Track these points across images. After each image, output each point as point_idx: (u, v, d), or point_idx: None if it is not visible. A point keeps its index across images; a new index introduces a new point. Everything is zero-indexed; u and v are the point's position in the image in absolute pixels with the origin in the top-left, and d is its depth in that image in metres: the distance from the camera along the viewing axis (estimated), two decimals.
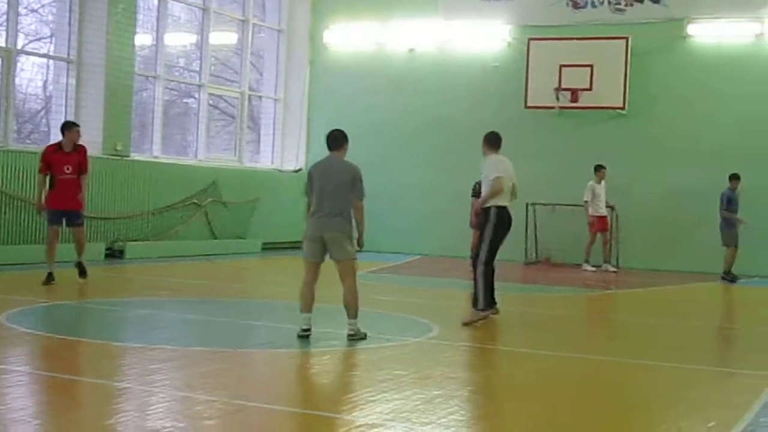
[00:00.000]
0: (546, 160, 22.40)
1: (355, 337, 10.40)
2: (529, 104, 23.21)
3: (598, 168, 21.58)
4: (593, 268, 21.29)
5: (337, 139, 10.61)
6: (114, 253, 19.56)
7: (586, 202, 21.42)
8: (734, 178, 20.19)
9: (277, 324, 11.74)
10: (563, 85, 22.73)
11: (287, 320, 11.80)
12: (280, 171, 25.65)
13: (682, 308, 15.94)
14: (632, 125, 22.58)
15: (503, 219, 11.85)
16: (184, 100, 24.64)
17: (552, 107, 22.96)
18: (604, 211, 21.57)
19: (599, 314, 15.38)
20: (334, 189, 10.32)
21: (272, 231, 24.39)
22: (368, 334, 10.41)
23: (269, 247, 23.98)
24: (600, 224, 21.52)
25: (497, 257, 12.09)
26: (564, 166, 22.72)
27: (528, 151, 22.99)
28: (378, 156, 23.46)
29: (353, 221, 10.51)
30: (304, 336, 10.28)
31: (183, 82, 24.08)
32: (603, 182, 21.64)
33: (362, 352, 9.88)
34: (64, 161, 14.39)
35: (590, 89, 22.59)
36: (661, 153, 22.36)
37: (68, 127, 14.83)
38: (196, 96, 23.73)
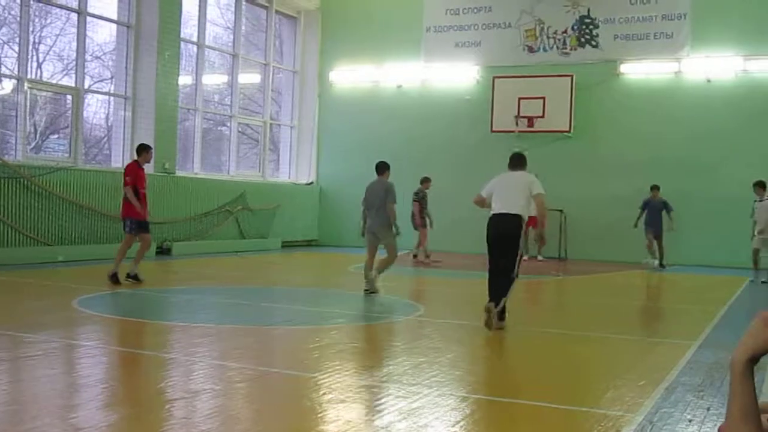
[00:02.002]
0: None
1: (372, 291, 12.47)
2: (494, 129, 23.24)
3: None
4: (543, 259, 21.36)
5: (379, 167, 13.28)
6: (163, 251, 19.56)
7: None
8: (654, 188, 20.24)
9: (294, 306, 11.73)
10: (521, 114, 22.76)
11: (302, 303, 11.81)
12: (296, 184, 25.65)
13: (618, 290, 15.96)
14: (576, 145, 22.61)
15: (490, 225, 10.22)
16: (219, 128, 24.61)
17: (512, 131, 22.98)
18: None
19: (551, 296, 15.37)
20: (377, 199, 12.81)
21: (290, 232, 24.42)
22: (372, 309, 10.38)
23: (287, 245, 23.98)
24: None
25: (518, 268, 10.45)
26: None
27: (493, 167, 22.93)
28: (370, 166, 23.36)
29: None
30: (369, 293, 12.45)
31: (217, 114, 24.05)
32: None
33: (362, 328, 9.89)
34: (143, 177, 13.49)
35: (543, 116, 22.63)
36: (599, 166, 22.40)
37: (147, 149, 13.72)
38: (228, 125, 23.71)
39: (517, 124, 22.81)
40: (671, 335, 10.05)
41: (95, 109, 20.20)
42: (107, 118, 20.36)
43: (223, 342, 8.55)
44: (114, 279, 13.08)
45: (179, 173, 20.62)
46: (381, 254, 13.21)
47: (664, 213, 20.22)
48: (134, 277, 13.31)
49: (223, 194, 21.77)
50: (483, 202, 10.43)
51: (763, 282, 16.38)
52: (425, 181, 20.27)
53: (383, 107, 24.98)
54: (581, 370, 7.87)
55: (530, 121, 22.72)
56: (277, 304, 12.12)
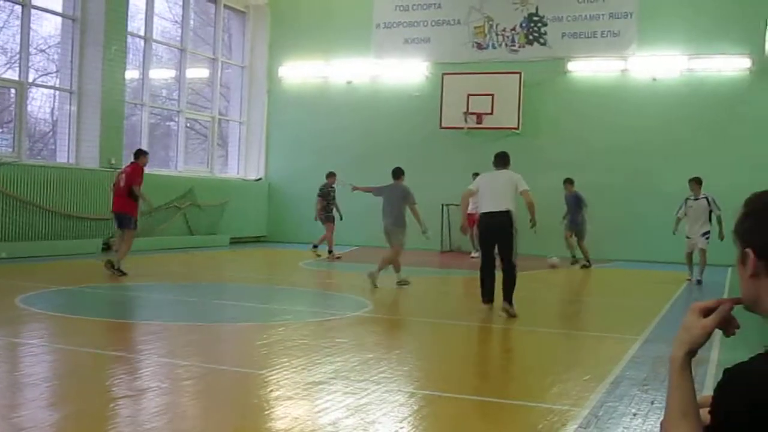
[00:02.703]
0: (456, 170, 22.47)
1: (402, 283, 13.56)
2: (443, 125, 23.32)
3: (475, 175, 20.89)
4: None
5: (396, 173, 14.21)
6: (109, 247, 19.30)
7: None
8: (567, 182, 20.07)
9: (241, 303, 11.69)
10: (470, 110, 22.87)
11: (251, 300, 11.76)
12: (245, 180, 25.52)
13: (559, 286, 16.12)
14: (524, 141, 22.76)
15: (482, 224, 11.01)
16: (166, 123, 24.39)
17: (461, 127, 23.09)
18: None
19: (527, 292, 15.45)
20: (392, 201, 13.80)
21: (239, 228, 24.29)
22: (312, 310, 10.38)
23: (236, 241, 23.85)
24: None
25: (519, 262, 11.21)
26: (470, 175, 22.80)
27: (442, 163, 23.17)
28: (320, 162, 23.47)
29: (405, 219, 13.70)
30: (402, 284, 13.50)
31: (165, 108, 23.82)
32: None
33: (310, 324, 9.88)
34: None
35: (492, 113, 22.77)
36: (545, 162, 22.56)
37: (145, 153, 15.18)
38: (176, 119, 23.51)
39: (466, 120, 22.92)
40: (616, 330, 10.18)
41: (40, 103, 19.89)
42: (52, 112, 20.07)
43: (170, 339, 8.49)
44: (120, 271, 14.08)
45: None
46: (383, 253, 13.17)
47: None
48: (119, 269, 14.16)
49: (171, 190, 21.58)
50: (469, 197, 11.52)
51: (698, 281, 16.08)
52: (330, 176, 20.19)
53: (333, 103, 24.95)
54: (527, 365, 7.96)
55: (479, 117, 22.85)
56: (226, 301, 12.06)
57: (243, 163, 25.89)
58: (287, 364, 7.25)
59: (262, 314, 10.62)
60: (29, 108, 18.78)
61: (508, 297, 10.74)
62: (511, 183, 10.99)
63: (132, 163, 15.03)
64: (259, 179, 25.68)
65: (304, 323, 9.95)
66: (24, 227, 17.27)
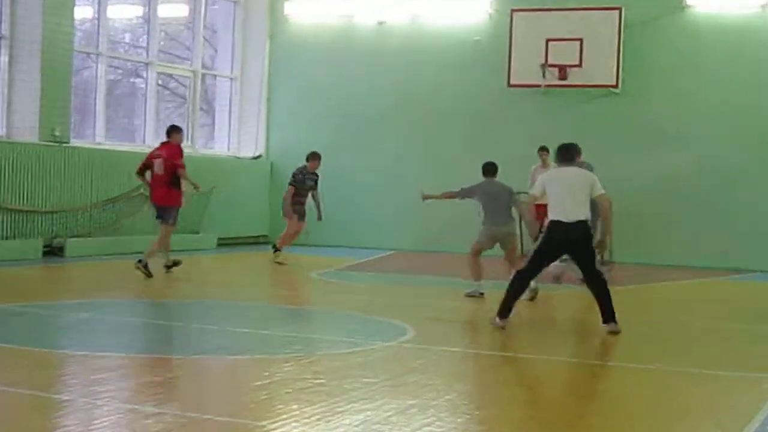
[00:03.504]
0: (529, 144, 22.34)
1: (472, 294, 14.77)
2: (512, 82, 23.24)
3: (542, 150, 20.68)
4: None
5: (489, 170, 15.11)
6: (53, 251, 19.46)
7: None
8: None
9: (234, 328, 11.71)
10: (550, 61, 22.76)
11: (245, 323, 11.79)
12: (238, 158, 25.59)
13: (675, 306, 16.01)
14: (626, 104, 22.61)
15: (553, 236, 12.04)
16: (130, 80, 24.52)
17: (537, 85, 22.98)
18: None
19: (590, 314, 15.38)
20: (500, 200, 14.83)
21: (229, 225, 24.35)
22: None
23: (226, 243, 23.92)
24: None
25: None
26: (552, 152, 22.67)
27: (510, 135, 23.08)
28: (343, 139, 23.54)
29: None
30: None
31: (128, 60, 23.96)
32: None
33: (327, 359, 9.87)
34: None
35: (580, 65, 22.65)
36: (655, 136, 22.39)
37: (178, 130, 17.08)
38: (144, 75, 23.62)
39: (544, 75, 22.80)
40: (752, 367, 10.09)
41: None
42: None
43: (135, 378, 8.52)
44: (145, 269, 15.94)
45: (75, 143, 20.52)
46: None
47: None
48: (145, 266, 16.01)
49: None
50: (534, 204, 12.71)
51: None
52: (313, 158, 20.04)
53: (359, 53, 24.95)
54: (631, 415, 7.91)
55: (562, 71, 22.73)
56: (211, 325, 12.07)
57: (235, 135, 25.98)
58: (296, 413, 7.25)
59: (261, 344, 10.62)
60: None
61: (610, 314, 11.83)
62: (586, 185, 12.01)
63: (165, 142, 16.61)
64: (258, 157, 25.75)
65: (320, 357, 9.94)
66: None
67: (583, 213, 11.79)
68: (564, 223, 11.74)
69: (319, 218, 20.11)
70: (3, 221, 18.50)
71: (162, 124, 24.14)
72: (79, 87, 21.42)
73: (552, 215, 11.94)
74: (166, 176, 16.34)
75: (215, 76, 25.97)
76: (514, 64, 23.16)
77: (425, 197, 15.95)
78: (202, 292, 15.82)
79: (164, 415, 7.02)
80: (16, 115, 19.40)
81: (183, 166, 16.43)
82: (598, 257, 19.28)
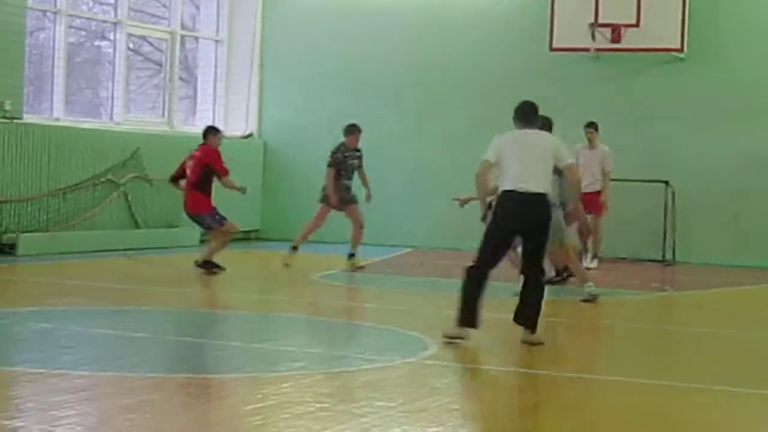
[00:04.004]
0: (577, 117, 22.32)
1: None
2: (554, 46, 23.21)
3: (591, 126, 20.97)
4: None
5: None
6: (2, 248, 19.50)
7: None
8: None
9: (222, 341, 11.73)
10: (601, 20, 22.73)
11: (235, 335, 11.81)
12: (224, 137, 25.60)
13: (758, 315, 15.98)
14: (694, 72, 22.59)
15: (506, 209, 11.68)
16: (95, 44, 24.55)
17: (586, 49, 22.95)
18: (596, 185, 20.77)
19: (655, 325, 15.39)
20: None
21: None
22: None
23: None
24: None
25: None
26: (604, 127, 22.62)
27: (554, 106, 23.00)
28: (350, 112, 23.49)
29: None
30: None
31: (93, 19, 23.97)
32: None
33: (333, 378, 9.88)
34: None
35: (637, 25, 22.62)
36: (731, 108, 22.35)
37: (217, 131, 18.84)
38: (111, 38, 23.64)
39: (593, 37, 22.76)
40: None
41: None
42: None
43: (102, 400, 8.54)
44: (212, 265, 17.66)
45: (28, 119, 20.57)
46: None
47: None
48: (211, 263, 17.76)
49: (103, 155, 21.73)
50: (487, 172, 12.00)
51: None
52: (350, 131, 19.76)
53: (369, 10, 24.96)
54: None
55: (616, 32, 22.70)
56: (194, 338, 12.11)
57: (221, 110, 25.99)
58: None
59: (254, 360, 10.63)
60: None
61: (532, 322, 11.60)
62: (548, 151, 11.81)
63: (202, 144, 18.08)
64: (248, 136, 25.76)
65: (324, 375, 9.96)
66: None
67: (542, 185, 11.58)
68: (518, 193, 11.50)
69: (368, 199, 19.84)
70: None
71: (133, 96, 24.21)
72: (33, 52, 21.46)
73: (504, 185, 11.71)
74: (193, 177, 17.71)
75: (197, 38, 25.99)
76: (557, 24, 23.13)
77: (462, 201, 16.22)
78: (182, 299, 15.84)
79: None
80: None
81: (225, 172, 17.99)
82: (591, 253, 19.41)
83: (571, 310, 14.47)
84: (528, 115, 12.13)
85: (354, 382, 9.80)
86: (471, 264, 11.70)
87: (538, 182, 11.47)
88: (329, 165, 19.48)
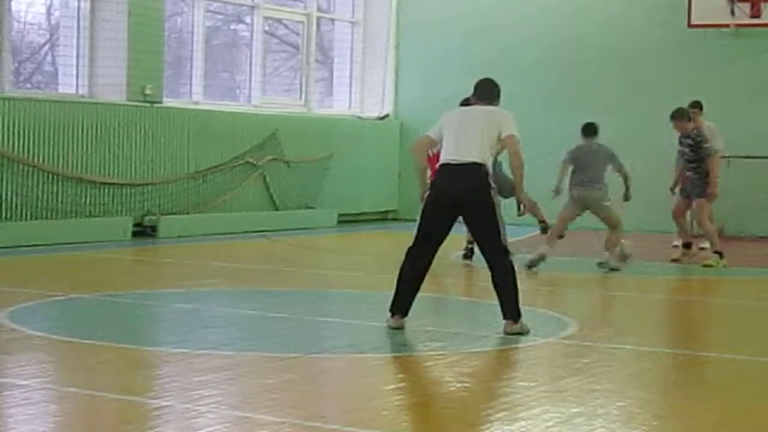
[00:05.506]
0: (718, 95, 22.04)
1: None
2: (693, 21, 22.94)
3: (695, 106, 19.34)
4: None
5: (590, 130, 17.04)
6: (145, 231, 19.74)
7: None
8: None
9: (361, 321, 11.77)
10: None
11: (372, 316, 11.85)
12: (361, 118, 25.68)
13: None
14: None
15: (435, 185, 11.12)
16: (232, 27, 24.76)
17: (725, 25, 22.66)
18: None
19: None
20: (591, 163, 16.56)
21: (352, 199, 24.48)
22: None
23: (347, 220, 24.06)
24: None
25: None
26: (742, 104, 22.38)
27: (692, 85, 22.77)
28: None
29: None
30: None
31: (230, 3, 24.16)
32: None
33: (473, 358, 9.88)
34: None
35: None
36: None
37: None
38: (248, 21, 23.84)
39: (733, 13, 22.47)
40: None
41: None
42: (49, 12, 20.62)
43: (245, 380, 8.62)
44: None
45: (168, 102, 20.87)
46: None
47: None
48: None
49: (240, 137, 21.97)
50: (425, 148, 11.67)
51: None
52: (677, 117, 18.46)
53: None
54: None
55: (755, 7, 22.37)
56: (334, 318, 12.18)
57: (358, 92, 26.08)
58: (436, 422, 7.27)
59: (393, 340, 10.62)
60: (13, 6, 19.17)
61: (512, 309, 10.80)
62: (491, 122, 11.02)
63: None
64: (385, 117, 25.80)
65: (465, 355, 9.90)
66: (13, 199, 17.76)
67: (479, 155, 10.78)
68: (451, 165, 10.86)
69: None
70: (86, 196, 18.86)
71: (269, 79, 24.37)
72: (172, 37, 21.69)
73: (441, 159, 11.09)
74: None
75: (333, 20, 26.08)
76: (695, 0, 22.86)
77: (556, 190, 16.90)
78: (320, 280, 15.95)
79: (281, 424, 7.10)
80: (100, 70, 19.68)
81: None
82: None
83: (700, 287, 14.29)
84: (483, 91, 11.61)
85: (494, 362, 9.78)
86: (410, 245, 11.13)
87: (471, 152, 10.73)
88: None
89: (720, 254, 16.95)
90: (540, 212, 16.59)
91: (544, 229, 17.17)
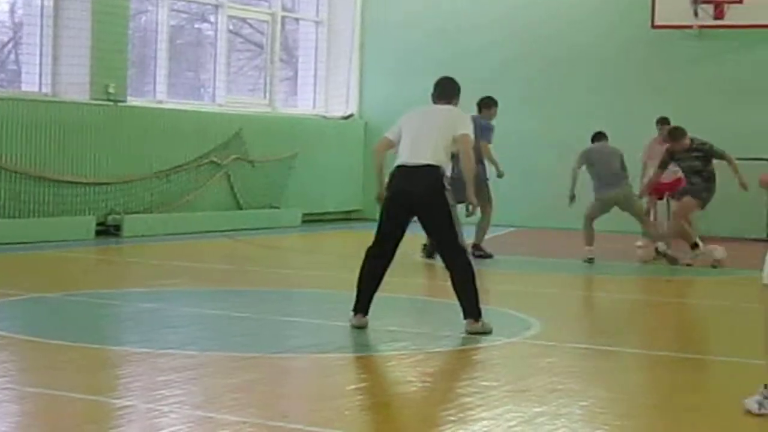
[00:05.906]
0: (680, 97, 22.13)
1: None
2: (656, 23, 23.00)
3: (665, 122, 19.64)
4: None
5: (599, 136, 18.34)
6: (108, 230, 19.68)
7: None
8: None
9: (324, 321, 11.77)
10: None
11: (336, 315, 11.86)
12: (325, 117, 25.67)
13: None
14: None
15: (392, 188, 11.13)
16: (196, 26, 24.71)
17: (688, 26, 22.73)
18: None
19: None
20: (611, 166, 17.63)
21: (316, 198, 24.47)
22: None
23: (311, 220, 24.04)
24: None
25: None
26: (709, 105, 22.43)
27: (656, 86, 22.86)
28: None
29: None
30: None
31: (194, 2, 24.11)
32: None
33: (437, 357, 9.90)
34: None
35: (740, 1, 22.36)
36: None
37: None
38: (213, 20, 23.79)
39: (696, 13, 22.52)
40: None
41: None
42: (12, 10, 20.54)
43: (208, 379, 8.62)
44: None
45: (132, 101, 20.78)
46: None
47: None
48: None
49: (204, 136, 21.90)
50: (383, 149, 11.53)
51: None
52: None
53: None
54: None
55: (719, 9, 22.45)
56: (297, 318, 12.17)
57: (322, 91, 26.06)
58: (403, 423, 7.28)
59: (356, 340, 10.66)
60: None
61: (472, 308, 10.78)
62: (447, 122, 11.10)
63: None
64: (349, 116, 25.79)
65: (428, 355, 9.93)
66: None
67: (434, 156, 10.77)
68: (406, 167, 10.86)
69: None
70: (49, 195, 18.79)
71: (234, 78, 24.34)
72: (136, 35, 21.63)
73: (397, 160, 11.09)
74: None
75: (297, 19, 26.06)
76: (659, 1, 22.91)
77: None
78: (284, 280, 15.94)
79: (243, 424, 7.10)
80: (63, 68, 19.62)
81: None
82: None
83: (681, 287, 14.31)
84: (443, 90, 11.66)
85: (457, 361, 9.80)
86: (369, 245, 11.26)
87: (425, 154, 10.74)
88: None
89: (696, 245, 17.37)
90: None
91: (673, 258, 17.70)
